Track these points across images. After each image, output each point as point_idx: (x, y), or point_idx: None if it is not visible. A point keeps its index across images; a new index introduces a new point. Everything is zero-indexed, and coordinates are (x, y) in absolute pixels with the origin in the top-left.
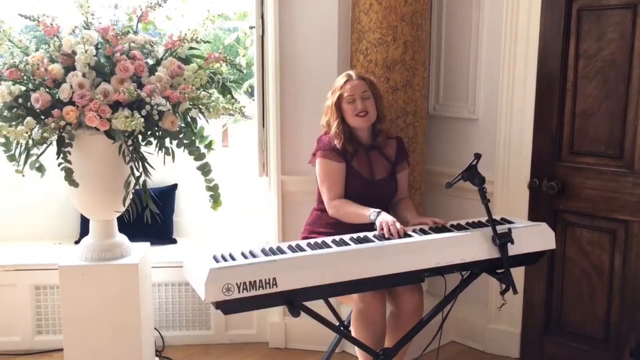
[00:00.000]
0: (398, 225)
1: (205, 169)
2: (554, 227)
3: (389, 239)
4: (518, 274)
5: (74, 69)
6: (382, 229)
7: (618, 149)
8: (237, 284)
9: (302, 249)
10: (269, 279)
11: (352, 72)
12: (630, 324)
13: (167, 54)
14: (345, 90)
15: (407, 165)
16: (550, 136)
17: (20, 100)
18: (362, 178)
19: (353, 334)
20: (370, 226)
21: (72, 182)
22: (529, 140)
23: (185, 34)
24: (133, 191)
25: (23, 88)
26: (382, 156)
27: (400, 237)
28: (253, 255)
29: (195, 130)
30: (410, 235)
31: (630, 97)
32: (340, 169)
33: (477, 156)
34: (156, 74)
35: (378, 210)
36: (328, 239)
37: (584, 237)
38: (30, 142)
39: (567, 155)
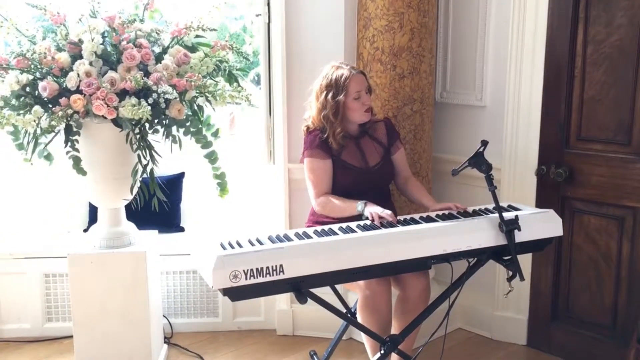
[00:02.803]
0: (388, 211)
1: (212, 157)
2: (561, 214)
3: (394, 225)
4: (525, 260)
5: (81, 57)
6: (373, 220)
7: (626, 135)
8: (244, 270)
9: (308, 236)
10: (276, 266)
11: (349, 66)
12: (637, 311)
13: (173, 42)
14: (353, 87)
15: (401, 144)
16: (558, 123)
17: (27, 89)
18: (354, 169)
19: (359, 320)
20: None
21: (80, 171)
22: (537, 127)
23: (192, 22)
24: (140, 179)
25: (30, 77)
26: (373, 141)
27: (393, 222)
28: (260, 242)
29: (202, 119)
30: (406, 222)
31: (638, 83)
32: (325, 165)
33: (484, 143)
34: (163, 62)
35: (364, 201)
36: (335, 227)
37: (591, 224)
38: (38, 130)
39: (575, 142)
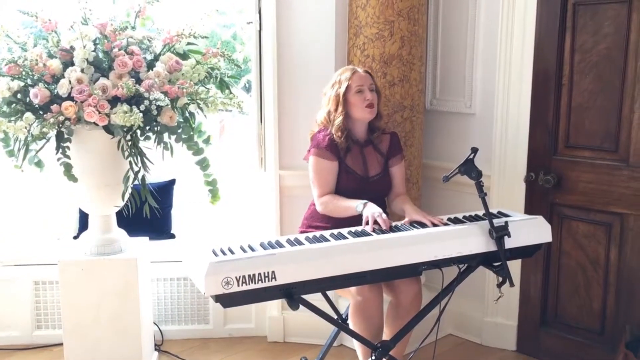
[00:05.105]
0: (384, 216)
1: (203, 164)
2: (550, 220)
3: (385, 231)
4: (515, 266)
5: (73, 64)
6: (367, 222)
7: (613, 142)
8: (236, 277)
9: (300, 243)
10: (268, 273)
11: (354, 67)
12: (625, 315)
13: (165, 50)
14: (354, 81)
15: (401, 159)
16: (546, 130)
17: (19, 96)
18: (356, 175)
19: (351, 327)
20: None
21: (71, 177)
22: (526, 134)
23: (183, 30)
24: (132, 186)
25: (22, 83)
26: (375, 151)
27: (385, 228)
28: (252, 249)
29: (193, 126)
30: (397, 229)
31: (625, 91)
32: (332, 167)
33: (474, 150)
34: (154, 69)
35: (365, 201)
36: (326, 233)
37: (580, 230)
38: (29, 137)
39: (563, 149)
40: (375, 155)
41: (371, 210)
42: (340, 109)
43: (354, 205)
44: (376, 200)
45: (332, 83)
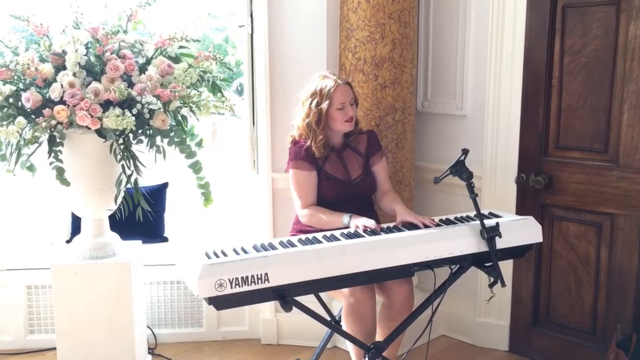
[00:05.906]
0: (372, 221)
1: (196, 167)
2: (541, 220)
3: (377, 233)
4: (506, 267)
5: (65, 68)
6: (357, 228)
7: (603, 143)
8: (229, 279)
9: (293, 245)
10: (261, 275)
11: (335, 77)
12: (616, 315)
13: (157, 53)
14: (337, 98)
15: (381, 157)
16: (536, 131)
17: (10, 100)
18: (337, 181)
19: (344, 328)
20: None
21: (64, 181)
22: (516, 135)
23: (175, 33)
24: (124, 189)
25: (14, 88)
26: (354, 153)
27: (377, 229)
28: (245, 251)
29: (186, 129)
30: (389, 230)
31: (614, 92)
32: (311, 177)
33: (465, 151)
34: (146, 72)
35: (350, 214)
36: (319, 235)
37: (570, 230)
38: (22, 141)
39: (553, 150)
40: (354, 157)
41: (361, 221)
42: (322, 124)
43: (340, 218)
44: (362, 201)
45: (311, 92)
